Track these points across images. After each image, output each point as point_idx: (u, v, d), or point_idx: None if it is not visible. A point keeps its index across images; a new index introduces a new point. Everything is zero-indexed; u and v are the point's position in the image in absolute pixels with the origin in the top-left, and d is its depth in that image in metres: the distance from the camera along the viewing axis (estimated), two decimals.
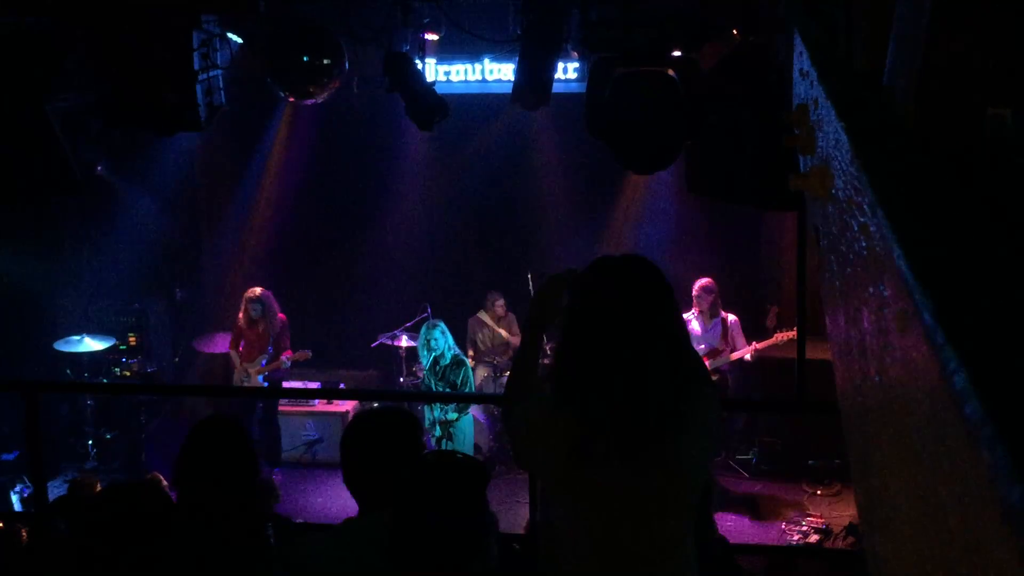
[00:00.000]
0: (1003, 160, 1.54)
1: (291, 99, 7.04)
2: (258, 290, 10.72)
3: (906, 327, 0.90)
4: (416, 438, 3.83)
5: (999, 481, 0.62)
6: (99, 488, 6.09)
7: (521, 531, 5.96)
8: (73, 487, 6.91)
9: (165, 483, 6.26)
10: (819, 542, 8.97)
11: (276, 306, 10.80)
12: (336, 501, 9.83)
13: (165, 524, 3.24)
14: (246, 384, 10.71)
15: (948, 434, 0.75)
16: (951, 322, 0.79)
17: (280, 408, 11.34)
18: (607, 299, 2.92)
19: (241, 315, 10.81)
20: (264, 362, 10.69)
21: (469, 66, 10.14)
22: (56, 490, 6.15)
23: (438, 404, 9.75)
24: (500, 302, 11.58)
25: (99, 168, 10.67)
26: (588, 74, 6.44)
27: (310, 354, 10.96)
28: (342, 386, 12.15)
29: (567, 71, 9.68)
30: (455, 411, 9.74)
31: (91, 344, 10.78)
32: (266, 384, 10.78)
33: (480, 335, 11.68)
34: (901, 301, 0.92)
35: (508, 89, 6.80)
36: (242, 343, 10.86)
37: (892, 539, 1.10)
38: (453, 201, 12.60)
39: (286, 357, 10.74)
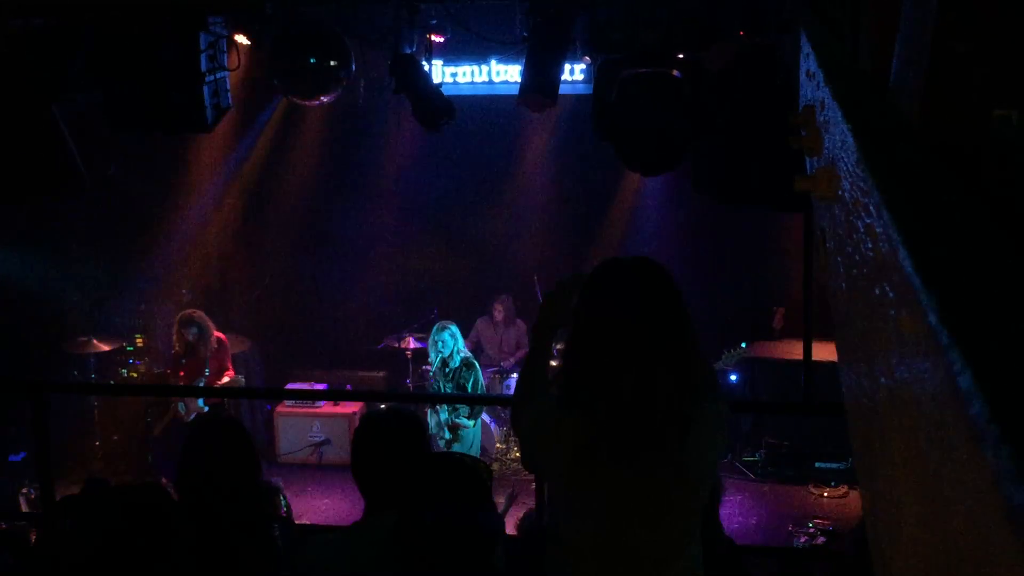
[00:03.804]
0: (1009, 161, 1.54)
1: (297, 101, 7.04)
2: (192, 311, 10.09)
3: (911, 328, 0.90)
4: (425, 440, 3.85)
5: (1004, 482, 0.62)
6: (109, 489, 6.09)
7: (527, 533, 5.96)
8: (86, 488, 6.91)
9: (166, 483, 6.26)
10: (826, 544, 8.95)
11: (212, 325, 10.09)
12: (343, 502, 9.85)
13: (166, 525, 3.25)
14: (183, 413, 9.99)
15: (953, 435, 0.75)
16: (956, 323, 0.79)
17: (287, 409, 11.36)
18: (615, 301, 2.92)
19: (176, 341, 10.08)
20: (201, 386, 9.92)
21: (476, 67, 10.15)
22: (62, 492, 6.15)
23: (446, 407, 9.73)
24: (498, 307, 11.59)
25: (112, 169, 10.74)
26: (594, 75, 6.44)
27: (242, 379, 10.47)
28: (348, 387, 12.16)
29: (573, 72, 9.68)
30: (467, 417, 9.68)
31: (98, 345, 10.79)
32: (207, 409, 9.94)
33: (486, 337, 11.69)
34: (906, 303, 0.92)
35: (515, 91, 6.81)
36: (181, 372, 10.04)
37: (898, 540, 1.10)
38: (459, 202, 12.61)
39: (228, 379, 10.02)
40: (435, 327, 9.85)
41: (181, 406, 10.08)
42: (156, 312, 11.83)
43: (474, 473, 3.17)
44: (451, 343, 9.66)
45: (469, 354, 9.95)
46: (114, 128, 6.47)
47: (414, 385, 11.28)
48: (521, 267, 12.09)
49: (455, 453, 4.89)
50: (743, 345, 10.71)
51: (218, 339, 10.17)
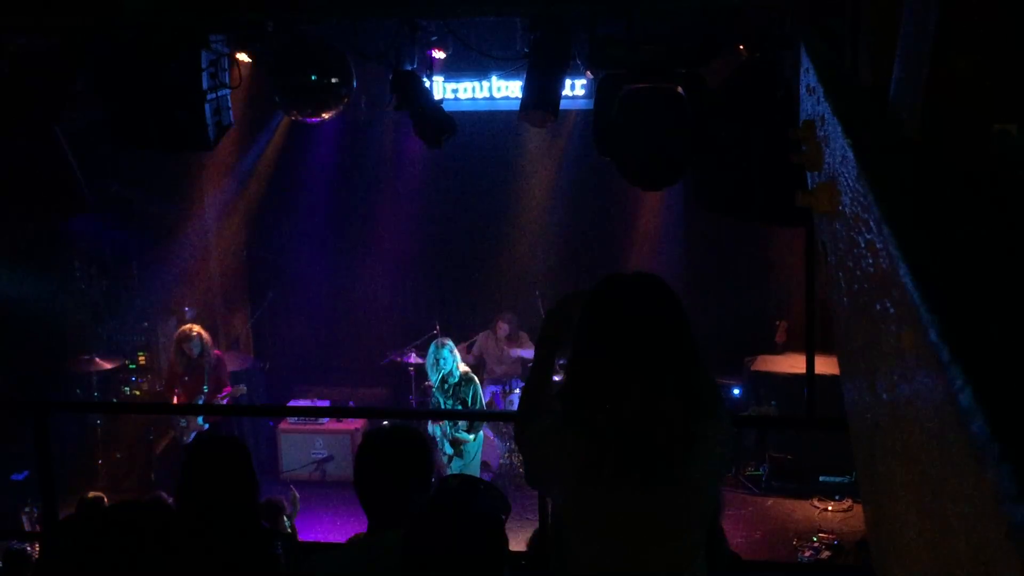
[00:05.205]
0: (1009, 175, 1.54)
1: (299, 118, 7.04)
2: (191, 326, 10.11)
3: (912, 344, 0.90)
4: (428, 457, 3.84)
5: (1005, 500, 0.62)
6: (107, 507, 6.10)
7: (530, 549, 5.95)
8: (81, 506, 6.91)
9: (169, 501, 6.26)
10: (831, 559, 8.93)
11: (211, 341, 10.16)
12: (346, 519, 9.82)
13: (169, 543, 3.24)
14: (183, 428, 10.10)
15: (954, 452, 0.74)
16: (957, 339, 0.79)
17: (290, 426, 11.35)
18: (617, 316, 2.92)
19: (174, 358, 10.14)
20: (201, 403, 10.01)
21: (477, 83, 10.17)
22: (66, 511, 6.15)
23: (447, 422, 9.70)
24: (502, 324, 11.59)
25: (114, 187, 10.76)
26: (595, 90, 6.45)
27: (244, 388, 10.45)
28: (351, 404, 12.14)
29: (574, 88, 9.70)
30: (468, 432, 9.66)
31: (100, 363, 10.79)
32: (207, 426, 9.99)
33: (489, 352, 11.68)
34: (907, 318, 0.92)
35: (516, 106, 6.80)
36: (180, 389, 10.06)
37: (900, 556, 1.10)
38: (461, 218, 12.61)
39: (226, 393, 10.07)
40: (433, 345, 9.82)
41: (183, 421, 10.11)
42: (158, 330, 11.82)
43: (490, 501, 3.17)
44: (451, 359, 9.63)
45: (468, 369, 9.92)
46: (117, 145, 6.49)
47: (417, 401, 11.26)
48: (523, 283, 12.09)
49: (473, 477, 4.88)
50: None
51: (216, 356, 10.20)
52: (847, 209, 1.48)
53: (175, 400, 10.12)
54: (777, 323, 11.51)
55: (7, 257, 10.49)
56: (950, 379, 0.75)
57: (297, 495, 8.69)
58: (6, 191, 6.30)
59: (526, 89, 6.61)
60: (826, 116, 1.89)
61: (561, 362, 4.58)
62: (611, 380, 2.84)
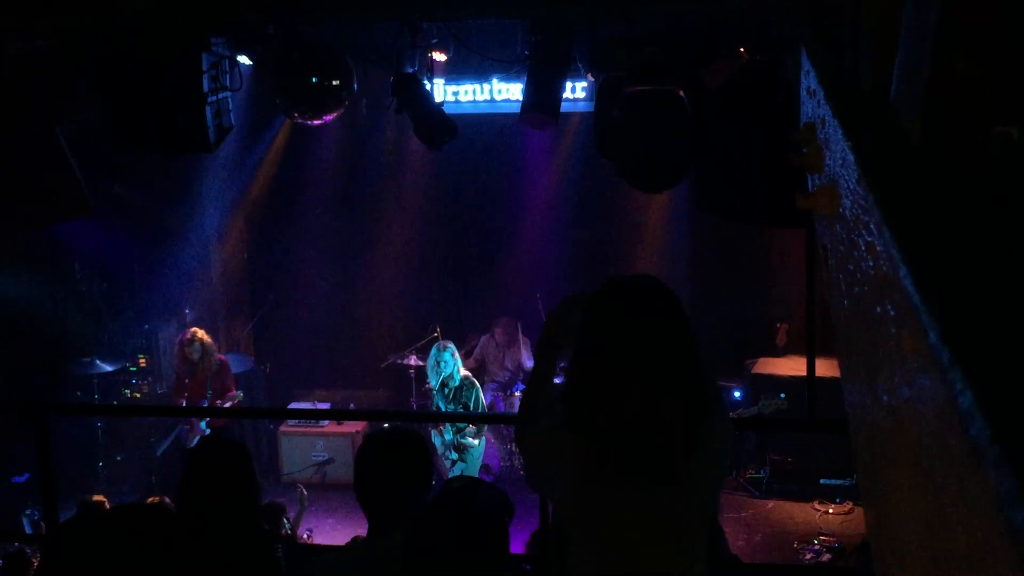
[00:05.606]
0: (1010, 178, 1.54)
1: (300, 120, 7.03)
2: (193, 330, 10.13)
3: (912, 347, 0.90)
4: (428, 460, 3.84)
5: (1005, 502, 0.62)
6: (107, 510, 6.09)
7: (530, 549, 5.95)
8: (82, 509, 6.91)
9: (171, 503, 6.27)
10: (831, 561, 8.92)
11: (213, 345, 10.19)
12: (346, 521, 9.82)
13: (170, 545, 3.24)
14: (186, 431, 10.12)
15: (954, 455, 0.74)
16: (957, 342, 0.79)
17: (291, 429, 11.35)
18: (618, 319, 2.91)
19: (178, 362, 10.19)
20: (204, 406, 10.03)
21: (477, 86, 10.17)
22: (66, 513, 6.14)
23: (450, 426, 9.68)
24: (499, 330, 11.59)
25: (116, 189, 10.76)
26: (596, 93, 6.45)
27: (241, 395, 10.37)
28: (352, 406, 12.14)
29: (575, 90, 9.69)
30: (473, 436, 9.64)
31: (101, 366, 10.79)
32: (208, 431, 10.02)
33: (489, 355, 11.67)
34: (907, 321, 0.92)
35: (517, 109, 6.80)
36: (184, 393, 10.14)
37: (901, 559, 1.09)
38: (462, 220, 12.61)
39: (229, 396, 10.08)
40: (434, 348, 9.80)
41: (185, 424, 10.11)
42: (159, 332, 11.82)
43: (493, 503, 3.17)
44: (452, 362, 9.62)
45: (468, 373, 9.91)
46: (117, 147, 6.49)
47: (418, 404, 11.25)
48: (524, 285, 12.08)
49: (475, 479, 4.87)
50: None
51: (219, 360, 10.19)
52: (848, 212, 1.48)
53: (182, 404, 10.13)
54: (778, 325, 11.50)
55: (8, 259, 10.48)
56: (950, 382, 0.75)
57: (305, 493, 8.72)
58: (7, 193, 6.30)
59: (527, 92, 6.61)
60: (827, 118, 1.89)
61: (562, 364, 4.58)
62: (612, 381, 2.84)
